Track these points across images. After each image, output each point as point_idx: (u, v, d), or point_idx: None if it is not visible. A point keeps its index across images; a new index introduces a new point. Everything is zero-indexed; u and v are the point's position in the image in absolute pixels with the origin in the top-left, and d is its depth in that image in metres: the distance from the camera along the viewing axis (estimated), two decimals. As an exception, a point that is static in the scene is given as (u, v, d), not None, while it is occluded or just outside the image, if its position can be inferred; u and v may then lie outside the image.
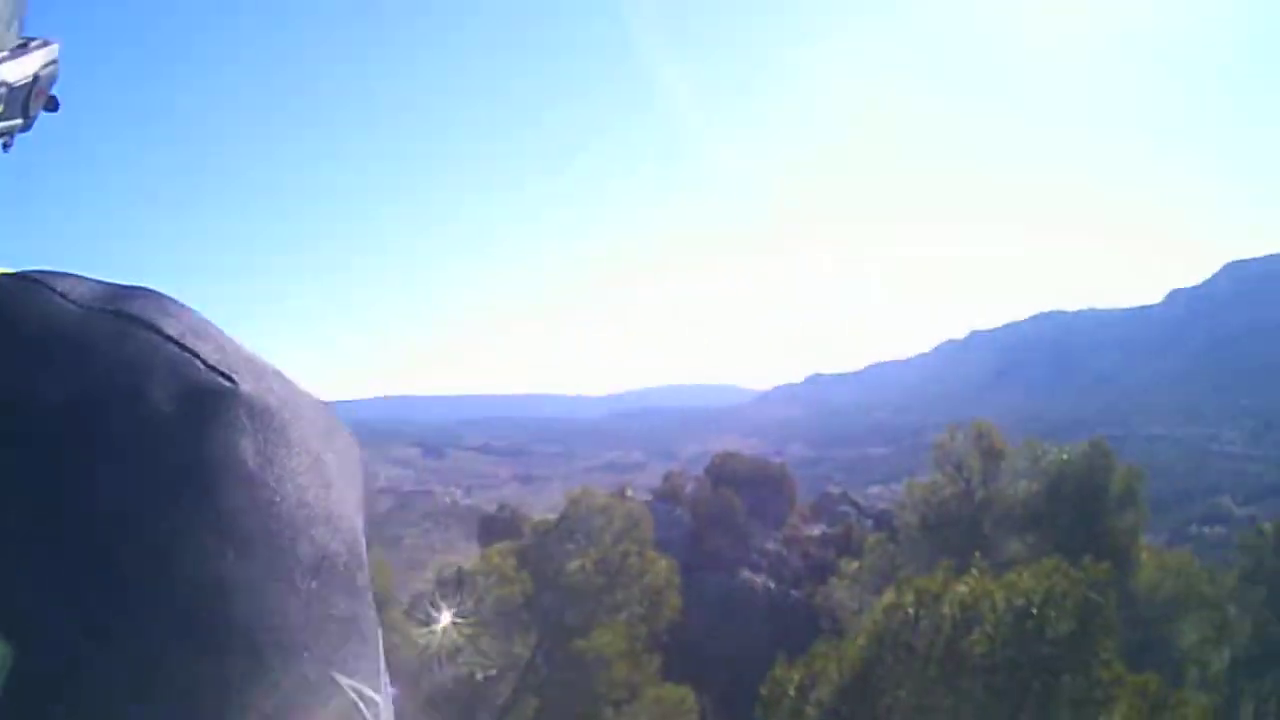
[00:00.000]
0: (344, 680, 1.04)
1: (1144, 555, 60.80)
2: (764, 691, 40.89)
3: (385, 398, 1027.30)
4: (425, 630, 62.28)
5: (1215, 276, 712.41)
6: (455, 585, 76.39)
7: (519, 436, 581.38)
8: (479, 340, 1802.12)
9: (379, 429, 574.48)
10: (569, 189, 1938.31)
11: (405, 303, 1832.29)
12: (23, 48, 1.63)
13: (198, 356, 0.96)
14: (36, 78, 1.69)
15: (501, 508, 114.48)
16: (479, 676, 55.23)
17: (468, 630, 56.65)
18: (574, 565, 53.23)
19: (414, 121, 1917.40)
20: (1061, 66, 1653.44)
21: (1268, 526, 61.60)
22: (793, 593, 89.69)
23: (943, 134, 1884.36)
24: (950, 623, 35.98)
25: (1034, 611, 34.81)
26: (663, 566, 55.40)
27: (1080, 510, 60.37)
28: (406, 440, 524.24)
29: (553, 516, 59.71)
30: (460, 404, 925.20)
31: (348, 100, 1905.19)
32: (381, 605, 38.59)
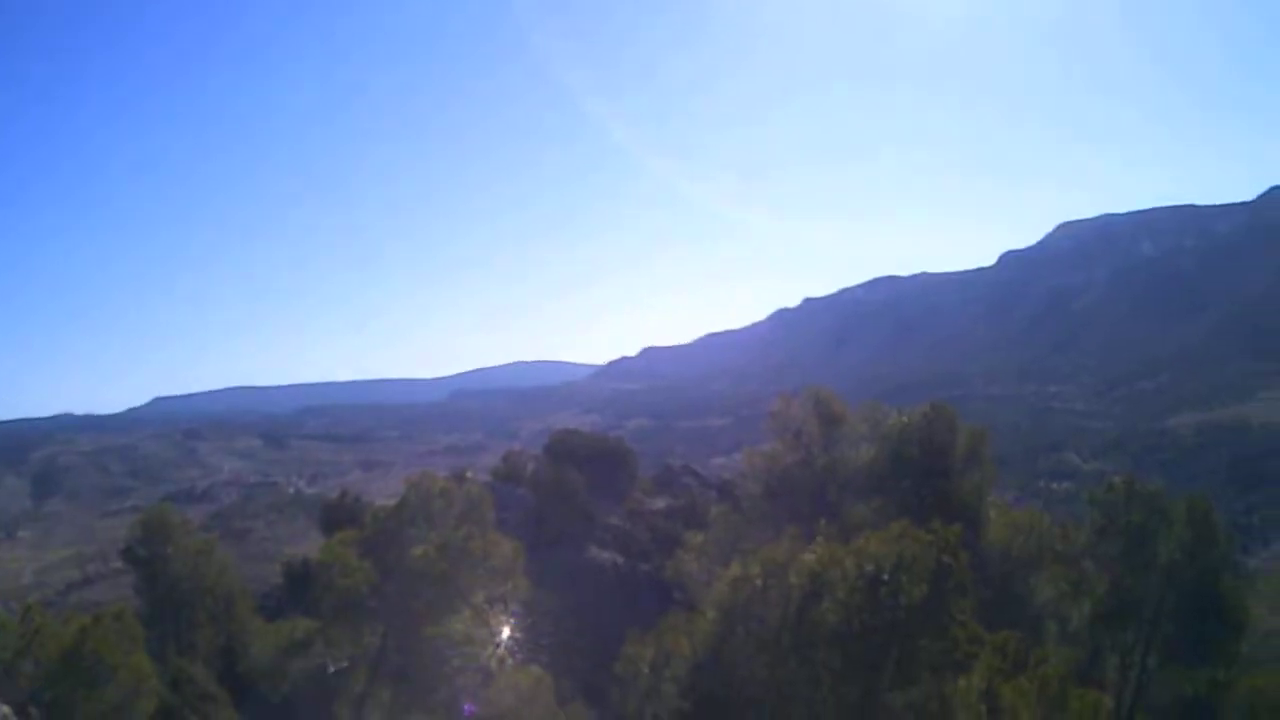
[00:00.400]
0: None
1: (993, 514, 60.89)
2: (617, 669, 40.28)
3: (225, 389, 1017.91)
4: (277, 625, 61.21)
5: (1047, 238, 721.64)
6: (302, 579, 75.23)
7: (360, 423, 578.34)
8: (316, 329, 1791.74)
9: (221, 421, 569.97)
10: (401, 174, 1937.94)
11: (242, 294, 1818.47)
12: None
13: None
14: None
15: (343, 495, 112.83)
16: (331, 669, 54.17)
17: (317, 624, 55.64)
18: (417, 551, 52.11)
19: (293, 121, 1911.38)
20: (893, 31, 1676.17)
21: (1118, 481, 61.76)
22: (641, 566, 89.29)
23: (770, 104, 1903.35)
24: (800, 592, 35.49)
25: (885, 578, 34.37)
26: (507, 548, 54.47)
27: (925, 472, 60.40)
28: (249, 432, 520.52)
29: (393, 503, 58.42)
30: (300, 393, 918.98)
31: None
32: (230, 601, 37.40)
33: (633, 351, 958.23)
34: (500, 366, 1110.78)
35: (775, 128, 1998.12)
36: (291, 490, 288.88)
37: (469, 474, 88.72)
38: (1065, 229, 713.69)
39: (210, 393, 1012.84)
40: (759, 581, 36.38)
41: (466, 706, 51.71)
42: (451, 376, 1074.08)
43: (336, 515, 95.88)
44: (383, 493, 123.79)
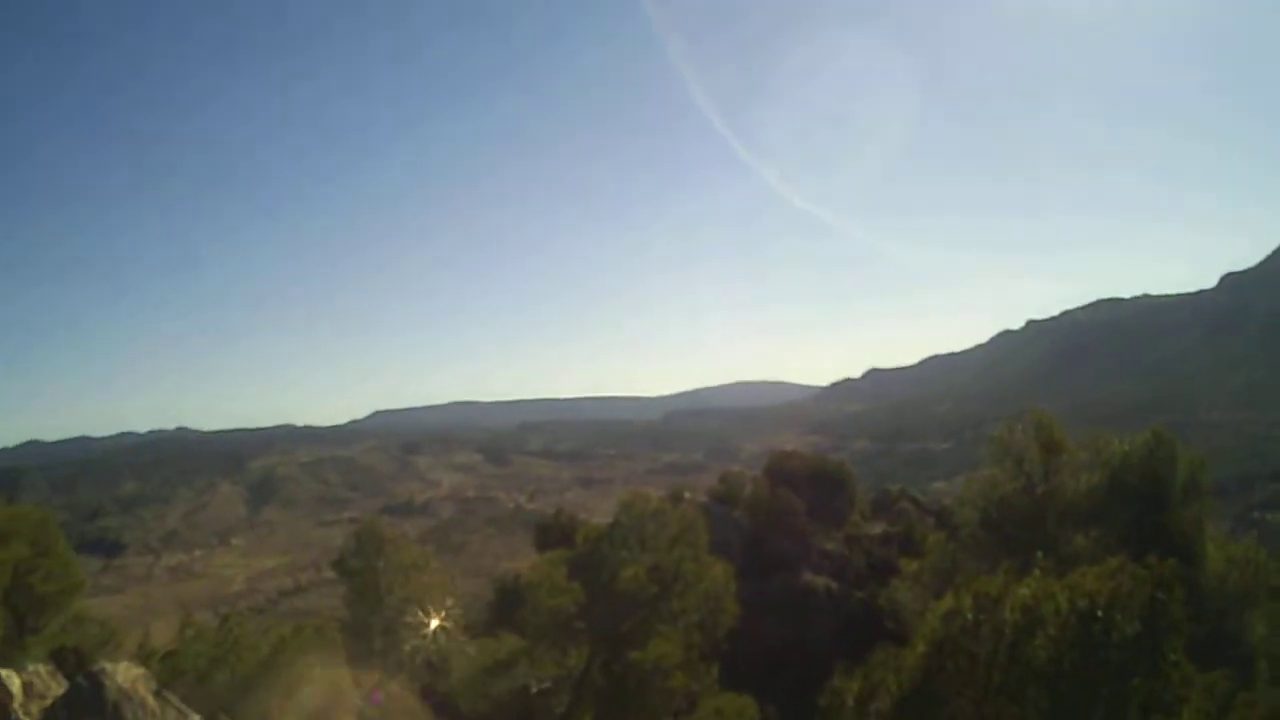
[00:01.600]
0: None
1: (1210, 547, 59.17)
2: (821, 703, 39.85)
3: (448, 404, 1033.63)
4: (481, 642, 61.37)
5: (1270, 258, 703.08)
6: (513, 596, 75.70)
7: (579, 440, 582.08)
8: (538, 344, 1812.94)
9: (441, 435, 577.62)
10: (618, 194, 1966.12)
11: (468, 310, 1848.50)
12: None
13: None
14: None
15: (558, 513, 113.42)
16: (534, 689, 54.23)
17: (523, 643, 55.70)
18: (627, 573, 51.85)
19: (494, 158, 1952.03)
20: (1113, 57, 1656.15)
21: None
22: (856, 593, 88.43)
23: (990, 128, 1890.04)
24: (1012, 627, 34.72)
25: (1099, 614, 33.47)
26: (719, 572, 54.00)
27: (1144, 503, 58.74)
28: (470, 446, 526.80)
29: (605, 522, 58.24)
30: (520, 408, 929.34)
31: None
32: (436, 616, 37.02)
33: (857, 373, 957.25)
34: (722, 386, 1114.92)
35: (994, 150, 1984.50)
36: (511, 506, 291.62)
37: (686, 494, 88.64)
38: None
39: (431, 407, 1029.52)
40: (971, 615, 35.70)
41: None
42: (673, 395, 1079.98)
43: (550, 533, 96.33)
44: (601, 510, 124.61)
